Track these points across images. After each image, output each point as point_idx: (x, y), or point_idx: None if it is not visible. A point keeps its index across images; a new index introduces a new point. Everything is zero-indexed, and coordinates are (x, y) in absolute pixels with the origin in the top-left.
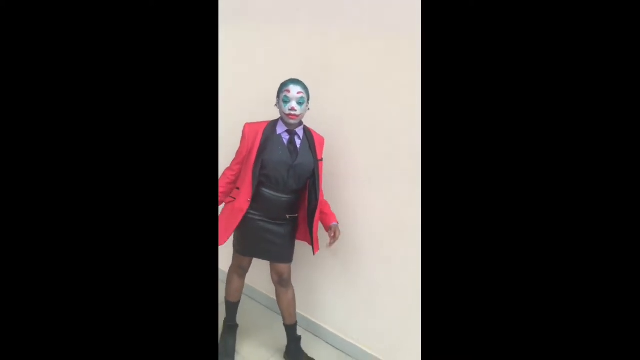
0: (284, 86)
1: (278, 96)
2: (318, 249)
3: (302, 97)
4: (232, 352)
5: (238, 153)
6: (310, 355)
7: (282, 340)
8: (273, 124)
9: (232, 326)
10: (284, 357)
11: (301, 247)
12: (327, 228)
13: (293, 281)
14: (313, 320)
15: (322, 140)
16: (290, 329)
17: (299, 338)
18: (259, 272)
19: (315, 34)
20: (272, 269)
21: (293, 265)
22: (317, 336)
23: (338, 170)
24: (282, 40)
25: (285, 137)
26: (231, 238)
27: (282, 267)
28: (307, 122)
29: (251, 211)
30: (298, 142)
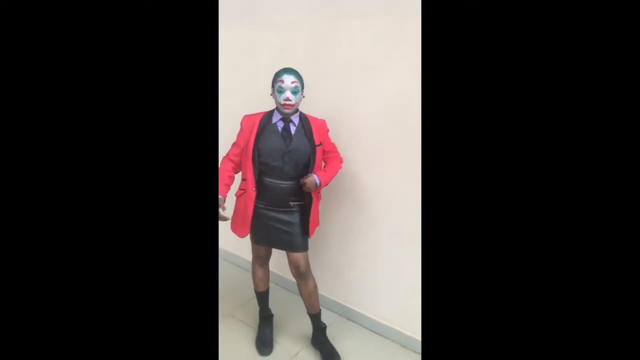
0: (277, 76)
1: (272, 86)
2: (311, 234)
3: (296, 87)
4: (270, 342)
5: (236, 145)
6: (345, 338)
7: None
8: (269, 113)
9: (266, 316)
10: (311, 343)
11: (322, 233)
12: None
13: (319, 267)
14: (344, 304)
15: (321, 123)
16: (314, 318)
17: (324, 327)
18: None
19: (317, 19)
20: (289, 261)
21: (317, 251)
22: (350, 320)
23: (349, 155)
24: (281, 28)
25: (280, 125)
26: None
27: (297, 257)
28: (312, 108)
29: (257, 200)
30: (293, 128)
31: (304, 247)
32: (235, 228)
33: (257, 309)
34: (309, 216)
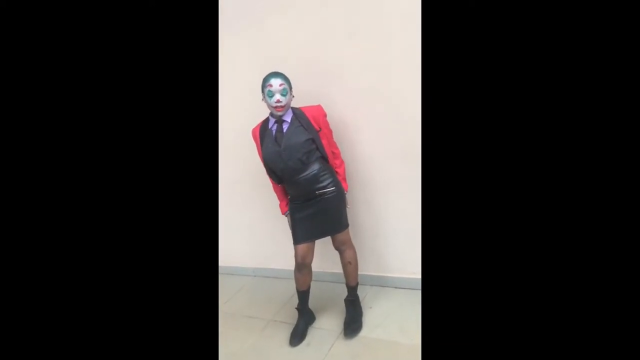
0: (265, 81)
1: (262, 91)
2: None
3: (284, 88)
4: (301, 333)
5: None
6: (383, 302)
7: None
8: (265, 121)
9: (301, 310)
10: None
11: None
12: None
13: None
14: (375, 274)
15: (315, 109)
16: (351, 290)
17: (355, 299)
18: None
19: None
20: (334, 241)
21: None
22: (384, 286)
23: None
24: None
25: (274, 129)
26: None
27: (341, 236)
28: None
29: (291, 201)
30: (286, 126)
31: (341, 228)
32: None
33: (294, 309)
34: (342, 196)
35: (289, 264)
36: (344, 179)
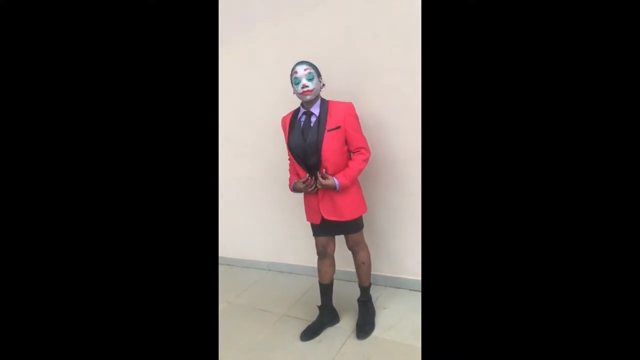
0: (292, 71)
1: (291, 83)
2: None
3: (309, 73)
4: (313, 330)
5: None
6: (396, 305)
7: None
8: (297, 110)
9: (319, 307)
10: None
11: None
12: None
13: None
14: (388, 275)
15: (344, 106)
16: (363, 290)
17: (367, 300)
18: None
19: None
20: (346, 242)
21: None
22: (400, 287)
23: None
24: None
25: (303, 120)
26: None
27: (352, 238)
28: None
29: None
30: (314, 120)
31: (360, 226)
32: (309, 217)
33: (308, 304)
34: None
35: (303, 259)
36: (343, 186)
